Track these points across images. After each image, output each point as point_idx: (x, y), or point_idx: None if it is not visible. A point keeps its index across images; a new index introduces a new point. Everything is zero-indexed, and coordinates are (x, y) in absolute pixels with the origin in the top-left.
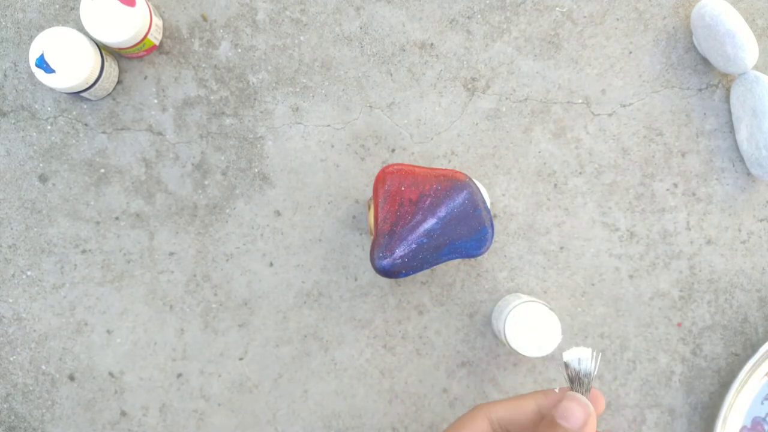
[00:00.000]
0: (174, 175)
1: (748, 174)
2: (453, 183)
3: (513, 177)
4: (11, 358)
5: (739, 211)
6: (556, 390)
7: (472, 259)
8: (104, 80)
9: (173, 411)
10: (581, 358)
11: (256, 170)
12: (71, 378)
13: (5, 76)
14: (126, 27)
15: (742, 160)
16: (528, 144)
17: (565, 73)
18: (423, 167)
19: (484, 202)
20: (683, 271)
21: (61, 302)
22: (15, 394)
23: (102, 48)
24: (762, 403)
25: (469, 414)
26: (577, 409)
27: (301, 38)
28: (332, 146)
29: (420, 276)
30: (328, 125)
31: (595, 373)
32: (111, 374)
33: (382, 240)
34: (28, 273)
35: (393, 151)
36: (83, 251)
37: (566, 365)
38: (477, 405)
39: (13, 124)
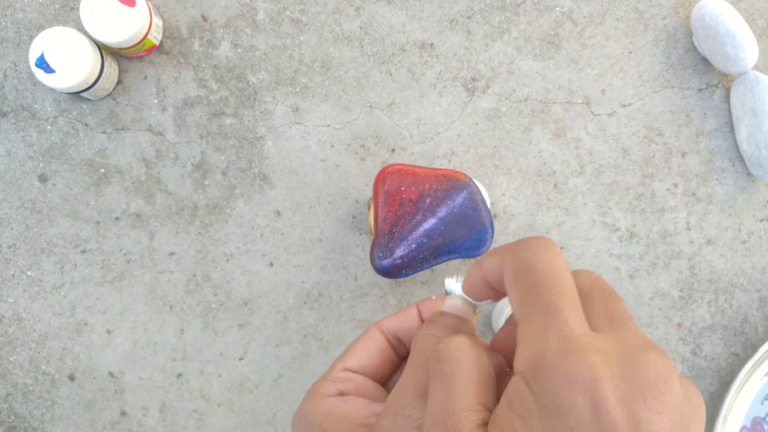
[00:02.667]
0: (174, 175)
1: (748, 174)
2: (453, 183)
3: (513, 177)
4: (11, 358)
5: (739, 211)
6: (433, 297)
7: (472, 259)
8: (104, 80)
9: (173, 411)
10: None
11: (256, 170)
12: (71, 378)
13: (5, 76)
14: (126, 27)
15: (742, 160)
16: (528, 144)
17: (565, 73)
18: (423, 167)
19: (484, 202)
20: (683, 271)
21: (61, 302)
22: (15, 394)
23: (102, 48)
24: (762, 403)
25: (364, 332)
26: (464, 304)
27: (301, 38)
28: (332, 146)
29: (420, 276)
30: (328, 125)
31: (483, 306)
32: (111, 374)
33: (382, 240)
34: (28, 273)
35: (393, 151)
36: (83, 251)
37: (446, 293)
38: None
39: (13, 124)
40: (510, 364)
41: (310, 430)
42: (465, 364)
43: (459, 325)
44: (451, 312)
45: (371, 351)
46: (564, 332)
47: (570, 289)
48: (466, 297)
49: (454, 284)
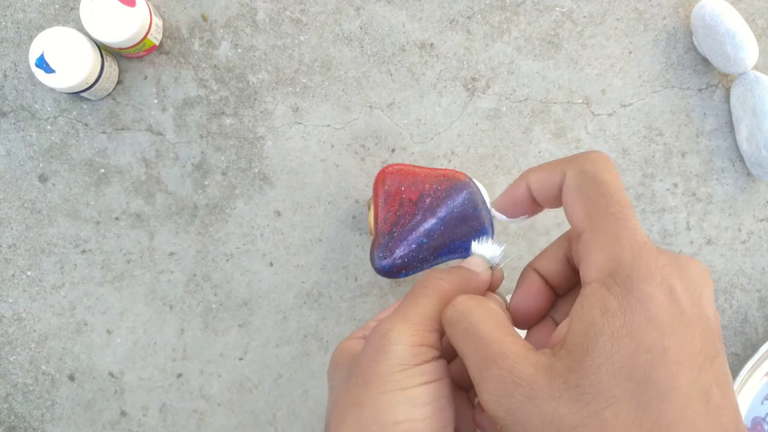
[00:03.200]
0: (174, 175)
1: (748, 174)
2: (453, 183)
3: (513, 177)
4: (11, 358)
5: (739, 211)
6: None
7: None
8: (104, 80)
9: (173, 411)
10: (490, 254)
11: (256, 170)
12: (71, 378)
13: (5, 76)
14: (126, 27)
15: (742, 160)
16: (528, 144)
17: (565, 73)
18: (423, 167)
19: (484, 202)
20: None
21: (61, 302)
22: (15, 394)
23: (102, 48)
24: (762, 403)
25: None
26: (482, 261)
27: (301, 38)
28: (332, 146)
29: (420, 276)
30: (328, 125)
31: (500, 264)
32: (111, 374)
33: (382, 240)
34: (28, 273)
35: (393, 151)
36: (83, 251)
37: (471, 252)
38: None
39: (13, 124)
40: (528, 320)
41: (330, 364)
42: (476, 314)
43: (467, 275)
44: (466, 266)
45: None
46: (635, 238)
47: (629, 201)
48: (485, 257)
49: (477, 246)
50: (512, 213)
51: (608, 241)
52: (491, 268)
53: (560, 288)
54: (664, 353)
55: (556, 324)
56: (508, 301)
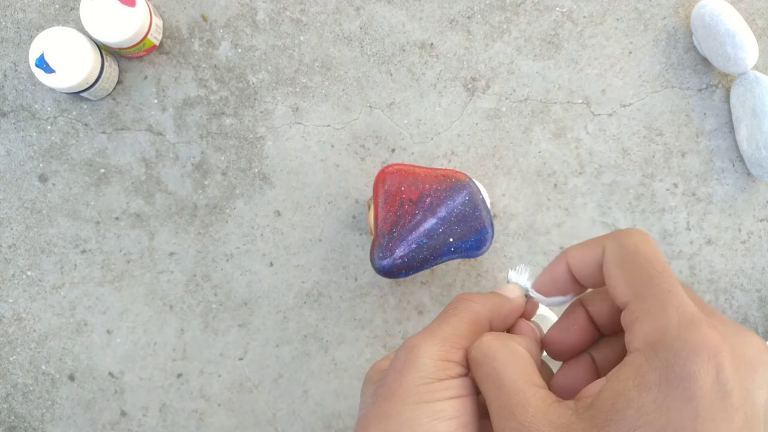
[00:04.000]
0: (174, 175)
1: (748, 174)
2: (453, 183)
3: (513, 177)
4: (11, 358)
5: (739, 211)
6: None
7: (472, 259)
8: (104, 80)
9: (173, 411)
10: (523, 283)
11: (256, 170)
12: (71, 378)
13: (5, 76)
14: (126, 27)
15: (742, 160)
16: (528, 144)
17: (565, 73)
18: (423, 167)
19: (484, 202)
20: (683, 271)
21: (61, 302)
22: (15, 394)
23: (102, 48)
24: None
25: None
26: (517, 289)
27: (301, 38)
28: (332, 146)
29: (420, 276)
30: (328, 125)
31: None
32: (111, 374)
33: (382, 240)
34: (28, 273)
35: (393, 151)
36: (83, 251)
37: (508, 281)
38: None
39: (13, 124)
40: (563, 353)
41: (363, 382)
42: (500, 359)
43: (500, 300)
44: (500, 292)
45: None
46: (682, 309)
47: (673, 273)
48: (521, 285)
49: (514, 275)
50: (553, 292)
51: (654, 312)
52: (526, 295)
53: (605, 328)
54: None
55: (594, 362)
56: (545, 330)
